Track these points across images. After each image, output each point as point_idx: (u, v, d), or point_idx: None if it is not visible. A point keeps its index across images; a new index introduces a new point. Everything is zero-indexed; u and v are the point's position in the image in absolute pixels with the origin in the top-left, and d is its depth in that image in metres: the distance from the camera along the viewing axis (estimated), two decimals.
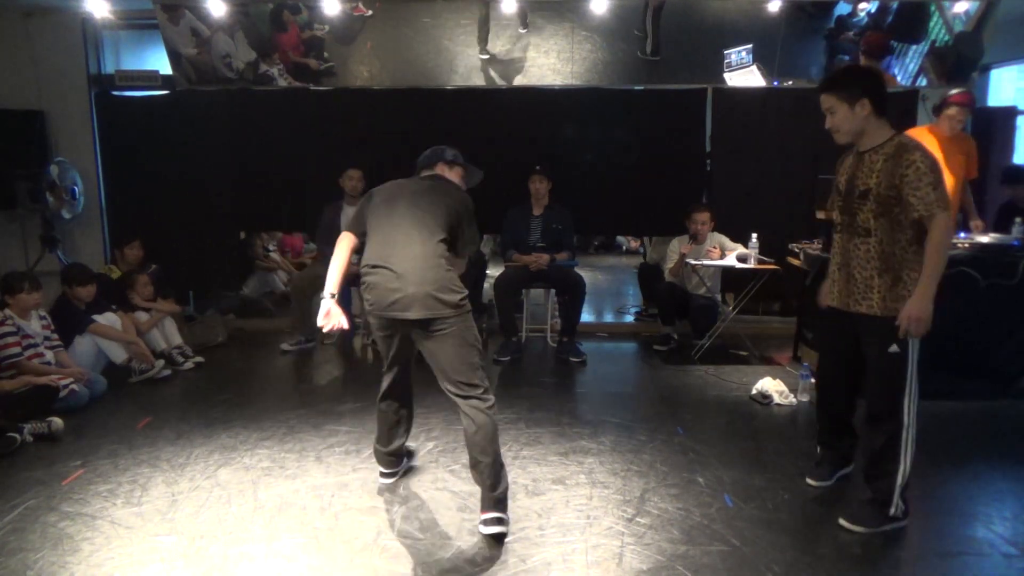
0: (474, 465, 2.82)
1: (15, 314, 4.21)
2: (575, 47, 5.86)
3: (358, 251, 3.07)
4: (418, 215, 2.91)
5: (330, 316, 2.93)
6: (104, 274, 5.27)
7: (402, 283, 2.78)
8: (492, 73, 5.93)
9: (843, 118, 2.81)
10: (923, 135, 4.80)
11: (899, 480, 2.85)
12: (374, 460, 3.51)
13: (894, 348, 2.77)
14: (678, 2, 5.67)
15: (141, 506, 3.04)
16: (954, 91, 4.80)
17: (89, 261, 5.58)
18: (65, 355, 4.43)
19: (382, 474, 3.29)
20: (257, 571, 2.59)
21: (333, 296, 2.95)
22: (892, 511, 2.87)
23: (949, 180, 4.66)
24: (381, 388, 3.16)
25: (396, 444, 3.23)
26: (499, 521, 2.79)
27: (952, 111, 4.61)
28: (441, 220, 2.92)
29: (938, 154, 4.67)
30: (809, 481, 3.28)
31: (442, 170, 3.19)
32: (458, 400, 2.87)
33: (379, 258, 2.87)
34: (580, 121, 6.03)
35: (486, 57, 5.86)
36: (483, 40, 5.82)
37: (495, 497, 2.81)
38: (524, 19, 5.77)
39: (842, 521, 2.91)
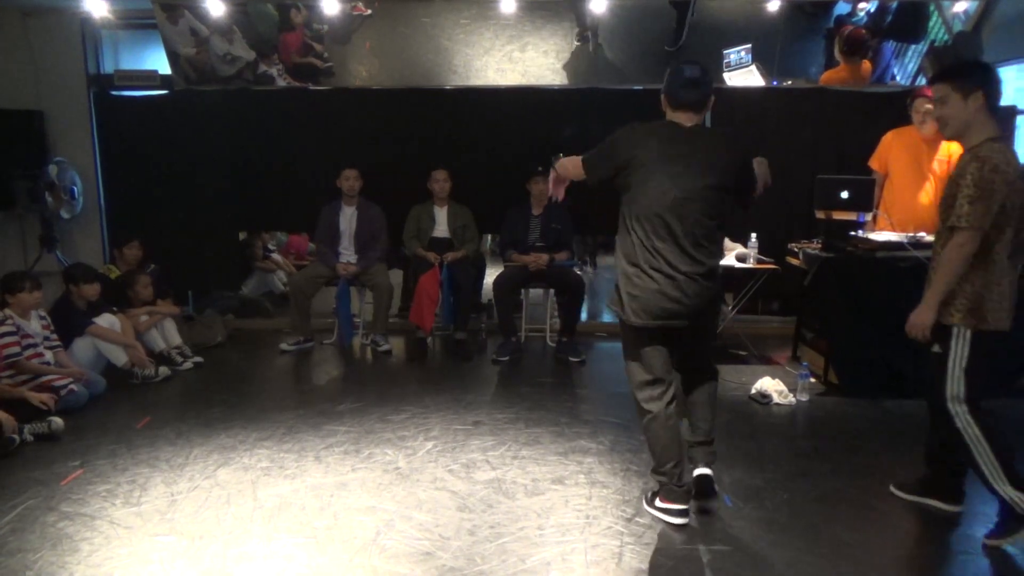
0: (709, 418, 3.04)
1: (15, 314, 4.21)
2: (574, 47, 5.85)
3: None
4: (707, 198, 2.62)
5: None
6: (103, 274, 5.27)
7: (682, 295, 2.66)
8: (490, 73, 5.92)
9: (955, 109, 2.70)
10: (897, 133, 4.78)
11: (993, 483, 2.71)
12: (373, 460, 3.51)
13: (936, 348, 2.81)
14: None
15: (140, 506, 3.04)
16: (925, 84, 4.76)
17: (88, 261, 5.56)
18: (64, 355, 4.43)
19: (678, 512, 2.86)
20: (256, 571, 2.59)
21: None
22: (1019, 511, 2.70)
23: (921, 181, 4.65)
24: (663, 400, 2.83)
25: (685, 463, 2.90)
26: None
27: (917, 103, 4.58)
28: (727, 202, 2.70)
29: (902, 154, 4.68)
30: (891, 488, 3.19)
31: (709, 106, 2.75)
32: (702, 374, 3.02)
33: (652, 257, 2.64)
34: (579, 121, 6.01)
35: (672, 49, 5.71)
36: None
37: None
38: (584, 30, 5.74)
39: (984, 540, 2.79)
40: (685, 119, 2.70)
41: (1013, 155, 2.69)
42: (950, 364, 2.76)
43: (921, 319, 2.76)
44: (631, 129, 2.71)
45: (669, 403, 2.85)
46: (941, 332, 2.77)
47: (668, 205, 2.61)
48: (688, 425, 3.06)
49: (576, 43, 5.79)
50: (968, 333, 2.71)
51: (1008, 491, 2.69)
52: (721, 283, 2.79)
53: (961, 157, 2.74)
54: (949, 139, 2.88)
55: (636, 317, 2.72)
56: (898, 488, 3.18)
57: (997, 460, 2.70)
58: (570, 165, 2.93)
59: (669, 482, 2.86)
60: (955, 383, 2.75)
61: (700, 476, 3.05)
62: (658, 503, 2.93)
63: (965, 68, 2.81)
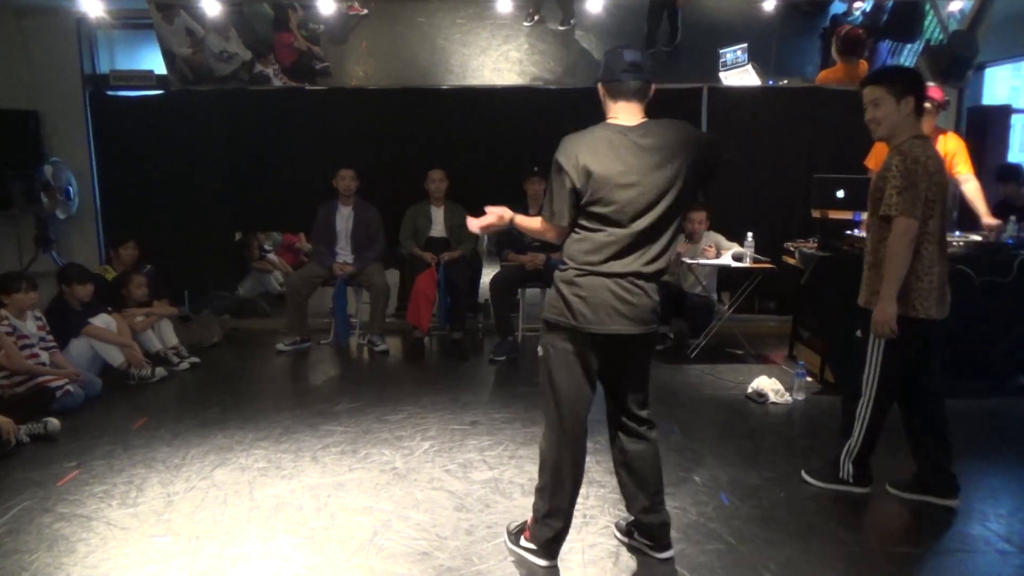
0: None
1: (11, 314, 4.19)
2: (571, 47, 5.86)
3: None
4: (667, 201, 2.34)
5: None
6: (99, 275, 5.26)
7: (633, 298, 2.36)
8: (487, 73, 5.92)
9: (888, 112, 2.88)
10: None
11: (846, 448, 3.14)
12: (370, 460, 3.50)
13: (859, 333, 3.05)
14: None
15: (137, 507, 3.03)
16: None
17: (84, 262, 5.55)
18: (60, 356, 4.42)
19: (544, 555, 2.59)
20: (253, 571, 2.58)
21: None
22: (840, 474, 3.17)
23: None
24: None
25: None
26: None
27: None
28: (685, 201, 2.39)
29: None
30: (887, 488, 3.25)
31: (650, 93, 2.44)
32: (639, 422, 2.58)
33: (605, 262, 2.36)
34: (576, 121, 5.96)
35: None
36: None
37: None
38: (568, 13, 5.77)
39: (802, 472, 3.29)
40: (629, 114, 2.40)
41: (933, 151, 2.87)
42: (870, 347, 2.97)
43: (886, 315, 2.84)
44: (570, 145, 2.38)
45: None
46: (866, 317, 2.95)
47: (631, 213, 2.33)
48: (627, 496, 2.66)
49: (527, 24, 5.80)
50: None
51: (848, 463, 3.14)
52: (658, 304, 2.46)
53: (890, 154, 2.91)
54: (879, 139, 3.01)
55: (585, 321, 2.37)
56: (893, 487, 3.22)
57: (862, 442, 3.09)
58: (532, 227, 2.53)
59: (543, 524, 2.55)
60: (872, 365, 2.98)
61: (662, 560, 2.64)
62: (523, 541, 2.64)
63: (898, 73, 3.00)
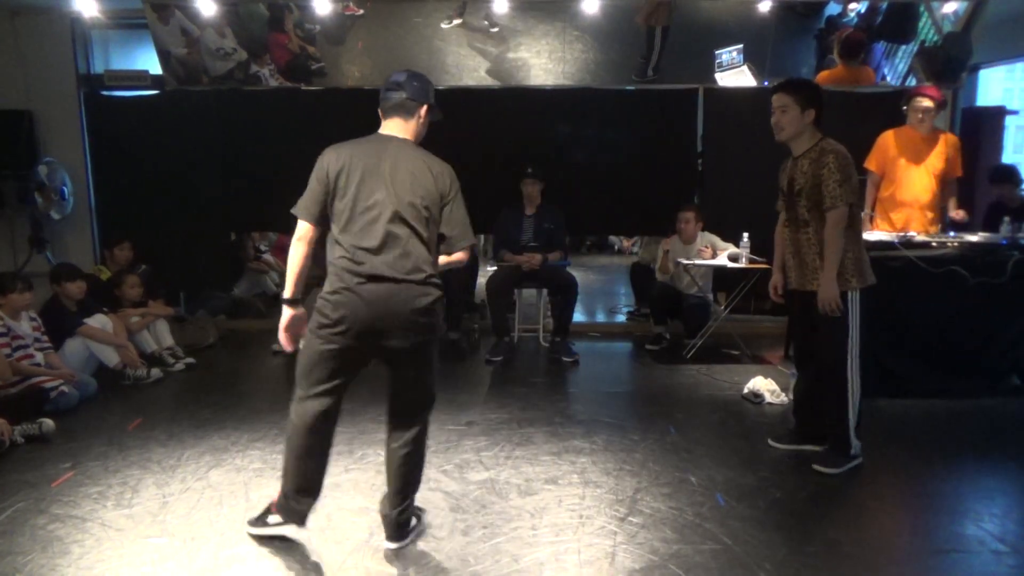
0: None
1: (6, 314, 4.18)
2: (567, 47, 5.86)
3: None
4: (406, 211, 2.56)
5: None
6: (94, 275, 5.24)
7: (381, 303, 2.52)
8: (483, 73, 5.93)
9: (792, 119, 3.27)
10: (895, 133, 4.82)
11: (849, 422, 3.32)
12: (366, 460, 3.51)
13: (837, 312, 3.25)
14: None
15: (131, 508, 3.03)
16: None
17: (78, 262, 5.53)
18: (55, 357, 4.40)
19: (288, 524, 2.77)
20: (248, 572, 2.58)
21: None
22: (852, 451, 3.34)
23: (923, 179, 4.71)
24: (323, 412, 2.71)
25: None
26: None
27: (915, 102, 4.64)
28: (429, 221, 2.62)
29: (901, 154, 4.74)
30: (769, 441, 3.70)
31: (421, 115, 2.77)
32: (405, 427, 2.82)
33: (356, 264, 2.55)
34: (572, 121, 6.02)
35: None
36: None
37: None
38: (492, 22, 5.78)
39: (814, 465, 3.35)
40: (389, 128, 2.76)
41: None
42: (850, 324, 3.24)
43: (831, 294, 3.17)
44: (330, 149, 2.67)
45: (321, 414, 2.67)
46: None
47: (370, 215, 2.55)
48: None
49: (446, 25, 5.79)
50: (858, 295, 3.24)
51: (854, 438, 3.33)
52: (432, 316, 2.61)
53: (806, 155, 3.28)
54: (781, 141, 3.35)
55: (329, 320, 2.57)
56: (776, 441, 3.66)
57: (859, 409, 3.33)
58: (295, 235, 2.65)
59: (286, 502, 2.72)
60: (853, 341, 3.26)
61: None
62: (271, 518, 2.76)
63: (804, 86, 3.38)
